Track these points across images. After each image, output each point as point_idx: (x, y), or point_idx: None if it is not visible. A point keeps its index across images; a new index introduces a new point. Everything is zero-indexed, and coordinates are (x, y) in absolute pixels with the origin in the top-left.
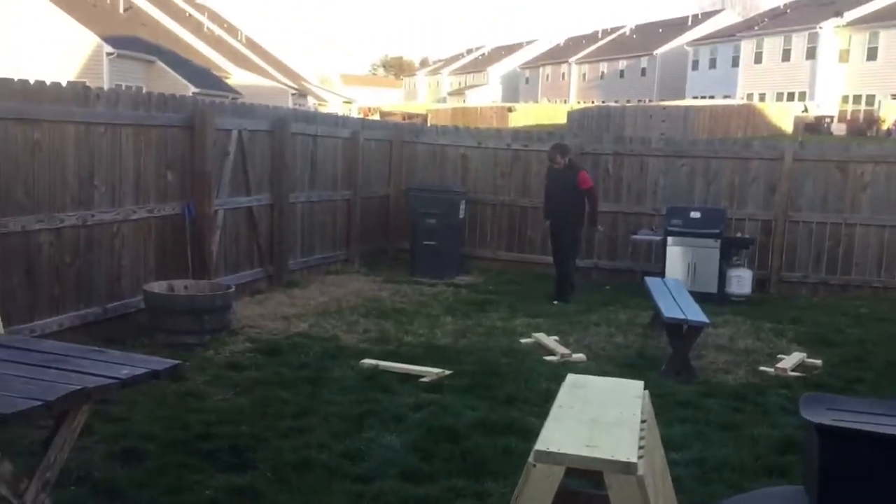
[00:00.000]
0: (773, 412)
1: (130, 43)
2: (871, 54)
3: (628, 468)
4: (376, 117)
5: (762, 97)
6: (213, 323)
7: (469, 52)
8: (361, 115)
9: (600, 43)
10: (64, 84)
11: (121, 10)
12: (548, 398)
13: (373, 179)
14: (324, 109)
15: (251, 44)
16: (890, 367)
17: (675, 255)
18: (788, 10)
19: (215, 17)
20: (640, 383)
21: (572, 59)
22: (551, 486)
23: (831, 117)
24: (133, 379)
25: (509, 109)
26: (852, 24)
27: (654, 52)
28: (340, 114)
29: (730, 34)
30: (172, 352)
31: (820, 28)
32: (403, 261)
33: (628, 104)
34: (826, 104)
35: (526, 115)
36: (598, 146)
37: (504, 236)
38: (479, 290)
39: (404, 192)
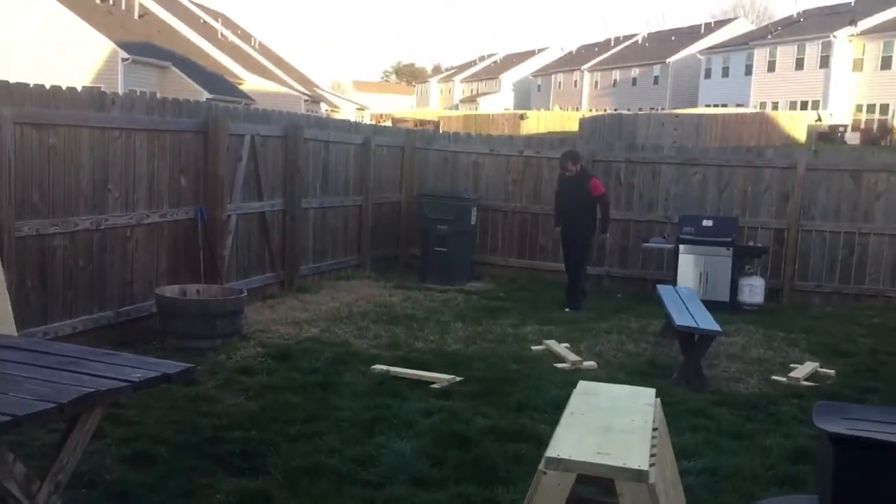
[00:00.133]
0: (785, 422)
1: (145, 49)
2: (886, 63)
3: (640, 476)
4: (388, 124)
5: (775, 106)
6: (224, 327)
7: (481, 59)
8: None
9: (613, 51)
10: (79, 89)
11: (136, 17)
12: (558, 405)
13: (384, 185)
14: (336, 116)
15: (264, 50)
16: None
17: (687, 264)
18: (802, 19)
19: (229, 24)
20: (652, 391)
21: (585, 67)
22: (562, 493)
23: (845, 126)
24: (145, 382)
25: (521, 116)
26: (866, 32)
27: (667, 60)
28: (353, 120)
29: (743, 42)
30: (184, 356)
31: (834, 37)
32: (414, 267)
33: (640, 112)
34: (839, 113)
35: (538, 123)
36: (609, 154)
37: (515, 243)
38: (490, 296)
39: (416, 198)
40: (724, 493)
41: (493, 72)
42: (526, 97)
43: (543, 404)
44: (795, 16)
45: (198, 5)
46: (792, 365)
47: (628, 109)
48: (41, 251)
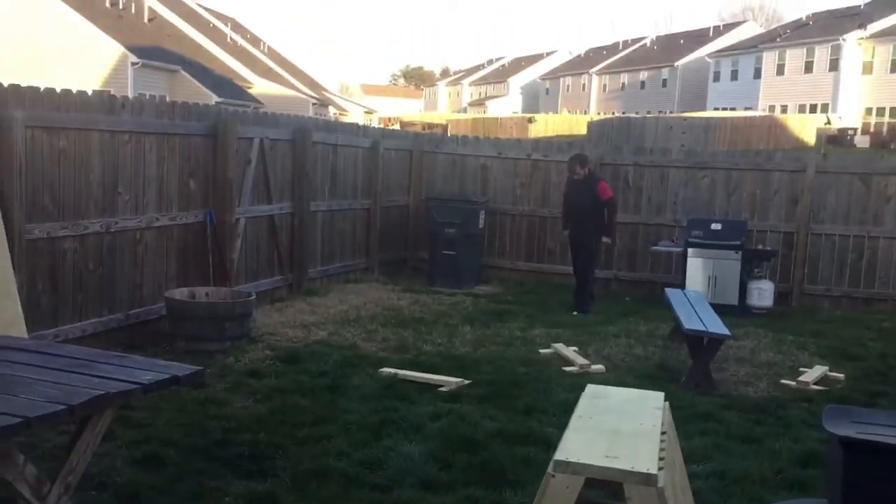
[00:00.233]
0: (794, 425)
1: (155, 53)
2: (895, 66)
3: (648, 479)
4: (397, 127)
5: (784, 109)
6: (233, 330)
7: (490, 62)
8: (382, 125)
9: (621, 54)
10: (90, 92)
11: (145, 21)
12: (567, 409)
13: (393, 189)
14: (344, 119)
15: (273, 54)
16: None
17: (696, 267)
18: (811, 22)
19: (238, 28)
20: (661, 394)
21: (593, 70)
22: (570, 496)
23: (854, 129)
24: (155, 384)
25: (529, 120)
26: (876, 36)
27: (676, 64)
28: (361, 124)
29: (752, 45)
30: (193, 358)
31: (843, 40)
32: (422, 270)
33: (649, 115)
34: (849, 116)
35: (546, 126)
36: (618, 157)
37: (523, 246)
38: (499, 299)
39: (424, 201)
40: (733, 497)
41: (501, 75)
42: (534, 100)
43: (552, 408)
44: (804, 19)
45: (207, 9)
46: (801, 369)
47: (636, 113)
48: (51, 254)
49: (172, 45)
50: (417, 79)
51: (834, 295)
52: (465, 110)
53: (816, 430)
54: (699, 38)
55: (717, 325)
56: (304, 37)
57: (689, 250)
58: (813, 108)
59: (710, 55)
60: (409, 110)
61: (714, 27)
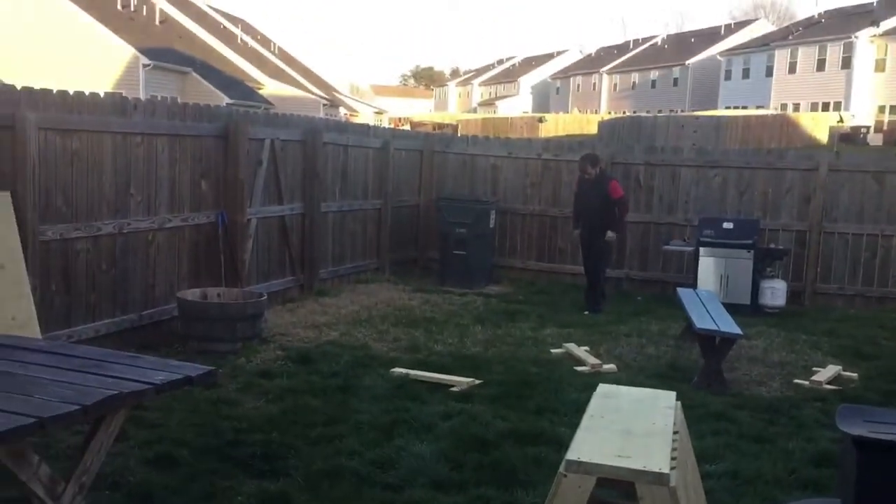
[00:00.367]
0: (808, 425)
1: (166, 54)
2: None
3: (661, 479)
4: (407, 127)
5: (796, 107)
6: (245, 330)
7: (500, 62)
8: (392, 126)
9: (632, 53)
10: (102, 94)
11: (157, 22)
12: (578, 408)
13: (403, 189)
14: (355, 120)
15: (284, 55)
16: None
17: (708, 266)
18: (823, 20)
19: (249, 29)
20: (673, 394)
21: (603, 70)
22: (582, 496)
23: (867, 128)
24: (168, 385)
25: (540, 119)
26: (888, 33)
27: (687, 62)
28: (371, 124)
29: (763, 43)
30: (205, 359)
31: (855, 37)
32: (433, 270)
33: (660, 114)
34: (862, 114)
35: (556, 126)
36: (629, 156)
37: (534, 246)
38: (509, 299)
39: (434, 201)
40: (746, 497)
41: (511, 75)
42: (544, 100)
43: (563, 407)
44: (816, 16)
45: (218, 11)
46: (814, 368)
47: (647, 112)
48: (65, 255)
49: (183, 47)
50: (427, 79)
51: (847, 294)
52: (475, 110)
53: (830, 430)
54: (710, 36)
55: (729, 325)
56: (304, 37)
57: (701, 249)
58: (825, 107)
59: (721, 53)
60: (419, 111)
61: (725, 25)
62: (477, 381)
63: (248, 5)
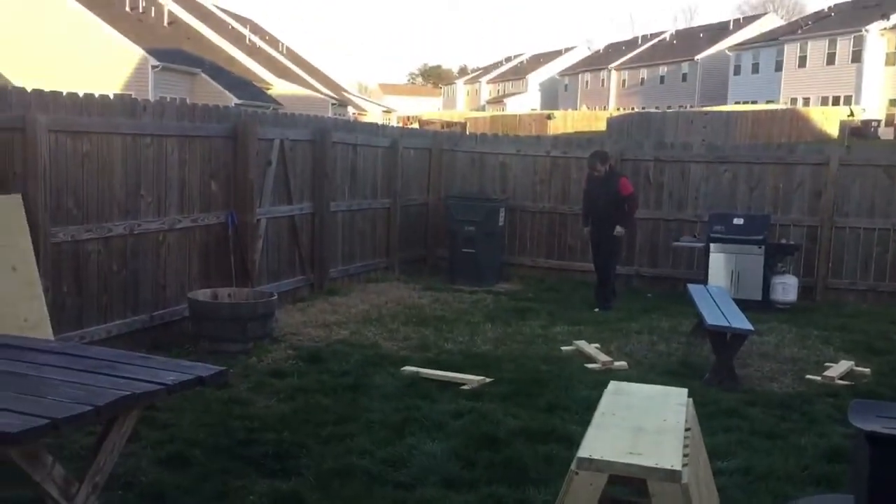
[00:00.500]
0: (820, 421)
1: (174, 55)
2: None
3: (672, 476)
4: (415, 126)
5: (806, 101)
6: (255, 330)
7: (508, 59)
8: (400, 124)
9: (640, 49)
10: (111, 96)
11: (165, 24)
12: (589, 406)
13: (412, 187)
14: (363, 119)
15: (292, 55)
16: None
17: (718, 262)
18: (833, 13)
19: (257, 29)
20: (684, 391)
21: (612, 66)
22: (594, 493)
23: (878, 121)
24: (179, 385)
25: (548, 117)
26: None
27: (696, 58)
28: (380, 123)
29: (773, 38)
30: (216, 359)
31: (865, 31)
32: (443, 268)
33: (669, 110)
34: (872, 108)
35: (565, 122)
36: (638, 152)
37: (544, 243)
38: (519, 297)
39: (443, 199)
40: (759, 493)
41: (519, 72)
42: (553, 97)
43: (574, 405)
44: (826, 10)
45: (226, 12)
46: (826, 364)
47: (656, 108)
48: (76, 256)
49: (192, 48)
50: (436, 77)
51: (859, 289)
52: (483, 108)
53: (842, 426)
54: (719, 31)
55: (740, 321)
56: (305, 37)
57: (712, 245)
58: (836, 101)
59: (730, 48)
60: (427, 109)
61: (734, 20)
62: (487, 379)
63: (248, 5)
